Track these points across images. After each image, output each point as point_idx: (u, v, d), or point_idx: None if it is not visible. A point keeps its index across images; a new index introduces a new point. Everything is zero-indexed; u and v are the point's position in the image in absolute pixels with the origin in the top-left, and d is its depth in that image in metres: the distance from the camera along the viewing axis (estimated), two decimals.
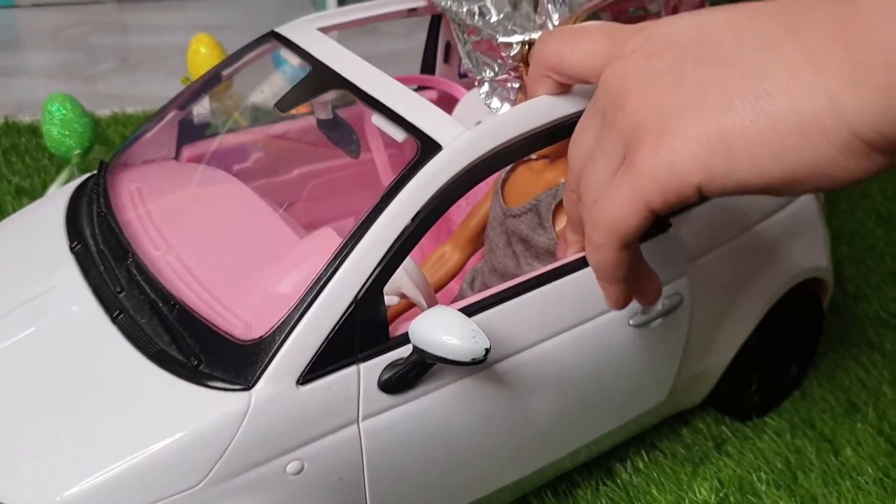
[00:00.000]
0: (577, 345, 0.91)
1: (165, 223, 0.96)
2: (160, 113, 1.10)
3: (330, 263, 0.79)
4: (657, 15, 1.04)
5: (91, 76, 2.27)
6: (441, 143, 0.83)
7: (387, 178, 1.24)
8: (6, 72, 2.28)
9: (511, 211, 1.01)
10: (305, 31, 1.05)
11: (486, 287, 1.06)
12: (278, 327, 0.77)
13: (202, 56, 1.66)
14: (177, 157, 1.13)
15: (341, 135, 0.99)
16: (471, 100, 1.18)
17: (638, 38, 0.58)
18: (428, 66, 1.30)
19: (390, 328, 0.81)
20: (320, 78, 0.94)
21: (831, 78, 0.46)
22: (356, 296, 0.78)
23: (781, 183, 0.49)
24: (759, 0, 0.53)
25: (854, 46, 0.45)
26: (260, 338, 0.78)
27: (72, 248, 0.94)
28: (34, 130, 1.93)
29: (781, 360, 1.21)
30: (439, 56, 1.28)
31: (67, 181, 1.55)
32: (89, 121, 1.49)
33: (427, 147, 0.83)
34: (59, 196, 1.05)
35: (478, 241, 1.11)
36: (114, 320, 0.84)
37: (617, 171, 0.57)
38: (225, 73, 1.09)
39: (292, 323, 0.77)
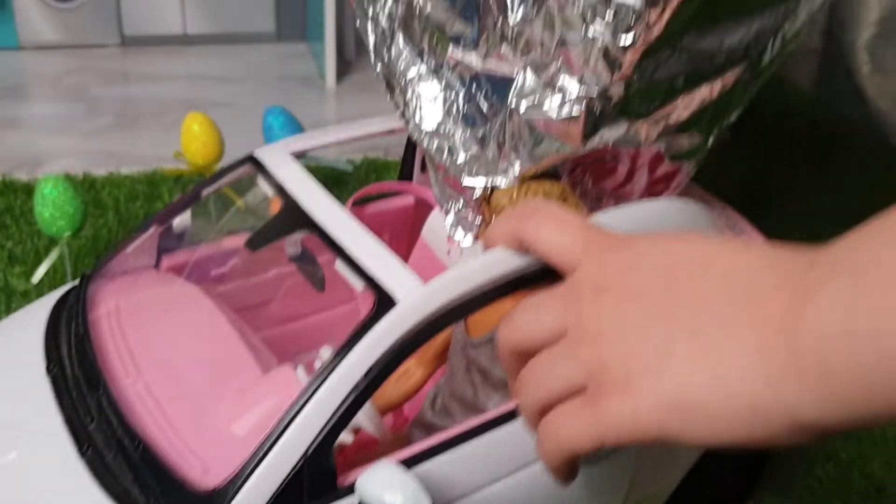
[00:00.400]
0: (525, 486, 0.95)
1: (138, 346, 1.01)
2: (142, 227, 1.14)
3: (284, 417, 0.83)
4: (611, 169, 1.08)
5: (89, 131, 2.32)
6: (396, 297, 0.87)
7: None
8: (6, 122, 2.33)
9: (471, 340, 1.05)
10: (280, 158, 1.09)
11: (446, 409, 1.11)
12: (232, 479, 0.82)
13: (194, 133, 1.71)
14: (157, 265, 1.17)
15: (308, 269, 1.04)
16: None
17: (614, 261, 0.59)
18: (406, 174, 1.35)
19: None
20: (290, 217, 0.99)
21: (777, 369, 0.49)
22: (307, 450, 0.82)
23: (731, 445, 0.54)
24: (740, 245, 0.55)
25: (795, 339, 0.48)
26: (215, 488, 0.82)
27: (48, 370, 0.99)
28: (30, 191, 1.98)
29: (732, 476, 1.25)
30: (416, 165, 1.33)
31: (57, 261, 1.61)
32: (81, 202, 1.54)
33: (382, 301, 0.88)
34: (40, 308, 1.09)
35: (442, 358, 1.16)
36: (82, 454, 0.89)
37: (571, 391, 0.60)
38: (205, 192, 1.13)
39: (245, 475, 0.81)
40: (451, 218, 1.08)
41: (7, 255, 1.75)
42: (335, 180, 2.05)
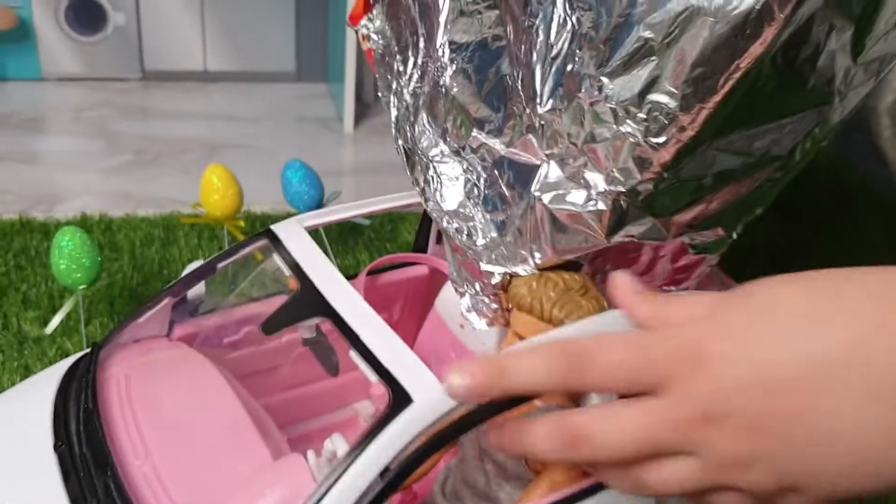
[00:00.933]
0: None
1: (147, 423, 1.00)
2: (155, 299, 1.13)
3: None
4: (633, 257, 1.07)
5: (107, 168, 2.33)
6: (412, 395, 0.86)
7: None
8: (25, 157, 2.34)
9: (485, 429, 1.03)
10: (296, 235, 1.09)
11: (457, 495, 1.09)
12: None
13: (214, 186, 1.71)
14: (169, 334, 1.16)
15: (323, 353, 1.03)
16: None
17: (710, 383, 0.60)
18: (421, 245, 1.34)
19: None
20: (305, 301, 0.98)
21: None
22: None
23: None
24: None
25: None
26: None
27: (56, 448, 0.98)
28: (46, 232, 1.98)
29: None
30: (432, 238, 1.32)
31: (71, 311, 1.60)
32: (97, 254, 1.54)
33: (398, 397, 0.86)
34: (49, 377, 1.09)
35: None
36: None
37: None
38: (220, 265, 1.13)
39: None
40: (466, 301, 1.07)
41: (21, 299, 1.75)
42: (350, 230, 2.05)
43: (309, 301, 0.98)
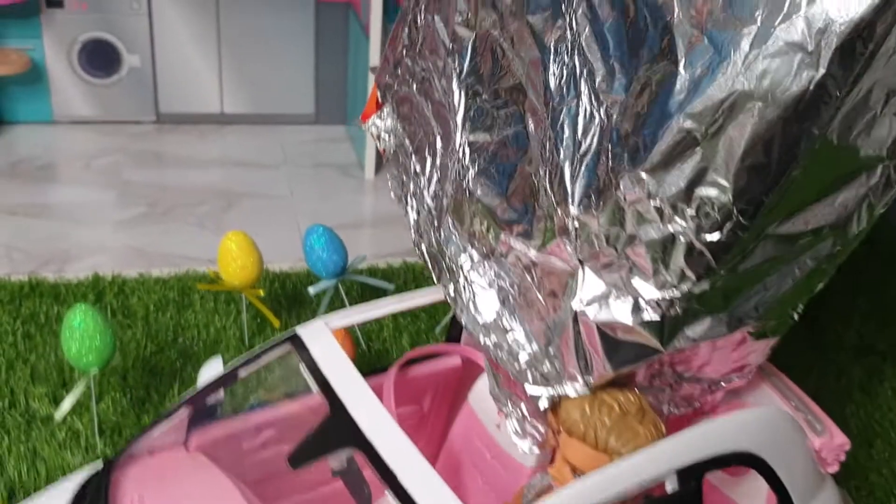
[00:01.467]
0: None
1: None
2: (172, 410, 1.05)
3: None
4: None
5: (120, 222, 2.25)
6: None
7: None
8: (35, 210, 2.27)
9: None
10: (322, 341, 1.00)
11: None
12: None
13: (233, 254, 1.64)
14: (186, 443, 1.08)
15: (354, 485, 0.94)
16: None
17: None
18: (454, 336, 1.25)
19: None
20: (335, 429, 0.89)
21: None
22: None
23: None
24: None
25: None
26: None
27: None
28: (57, 294, 1.90)
29: None
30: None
31: (82, 394, 1.52)
32: (111, 335, 1.46)
33: None
34: (62, 494, 1.01)
35: None
36: None
37: None
38: (242, 373, 1.04)
39: None
40: (513, 425, 0.98)
41: (29, 373, 1.67)
42: (373, 290, 1.96)
43: (339, 428, 0.90)
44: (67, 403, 1.49)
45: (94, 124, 2.76)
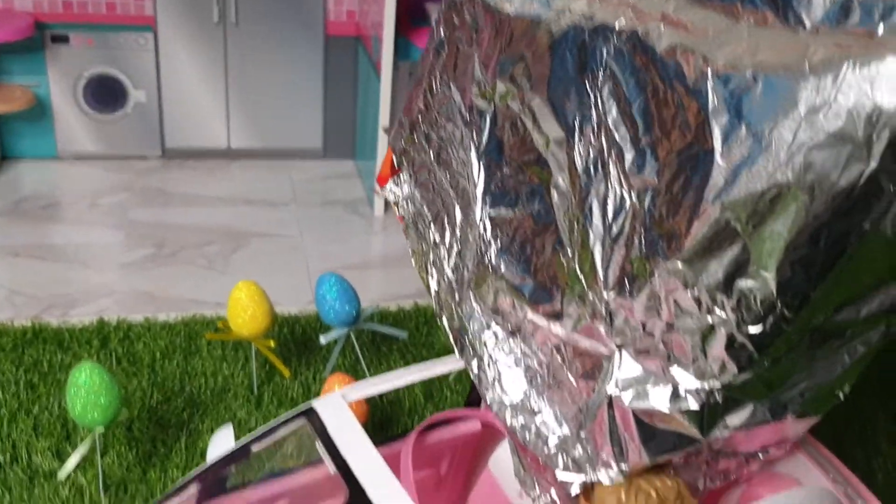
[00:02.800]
0: None
1: None
2: (180, 488, 1.00)
3: None
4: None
5: (126, 264, 2.21)
6: None
7: None
8: (39, 251, 2.22)
9: None
10: (339, 417, 0.96)
11: None
12: None
13: (243, 304, 1.59)
14: None
15: None
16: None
17: None
18: (473, 400, 1.20)
19: None
20: None
21: None
22: None
23: None
24: None
25: None
26: None
27: None
28: (61, 341, 1.85)
29: None
30: None
31: (88, 451, 1.46)
32: (116, 392, 1.41)
33: None
34: None
35: None
36: None
37: None
38: (255, 448, 1.00)
39: None
40: None
41: (32, 425, 1.62)
42: (383, 337, 1.91)
43: None
44: (72, 462, 1.44)
45: (98, 160, 2.72)
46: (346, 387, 1.03)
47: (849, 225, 0.75)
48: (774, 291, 0.77)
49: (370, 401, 1.67)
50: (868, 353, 0.90)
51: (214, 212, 2.50)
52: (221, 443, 1.06)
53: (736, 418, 0.85)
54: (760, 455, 0.99)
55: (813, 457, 1.07)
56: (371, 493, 0.87)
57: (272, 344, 1.66)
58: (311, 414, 0.98)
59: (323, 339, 1.69)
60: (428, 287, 1.06)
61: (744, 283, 0.78)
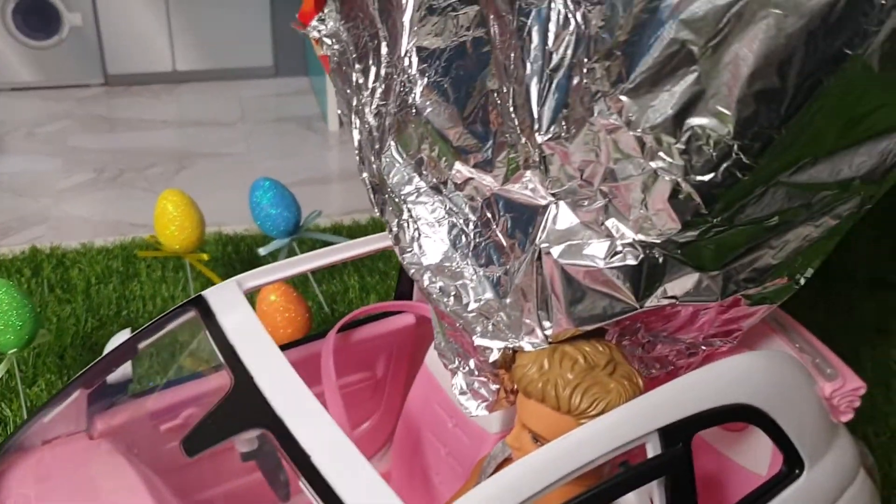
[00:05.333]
0: None
1: None
2: (65, 389, 0.90)
3: None
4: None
5: (62, 191, 2.08)
6: None
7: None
8: None
9: None
10: (232, 304, 0.84)
11: None
12: None
13: (170, 215, 1.47)
14: (89, 430, 0.93)
15: (269, 470, 0.78)
16: None
17: None
18: (404, 291, 1.09)
19: None
20: (240, 406, 0.74)
21: None
22: None
23: None
24: None
25: None
26: None
27: None
28: None
29: None
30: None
31: (4, 375, 1.36)
32: (30, 311, 1.29)
33: None
34: None
35: None
36: None
37: None
38: (142, 345, 0.89)
39: None
40: (459, 382, 0.83)
41: None
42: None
43: (245, 406, 0.74)
44: None
45: (37, 90, 2.58)
46: (244, 274, 0.91)
47: (827, 48, 0.62)
48: (731, 131, 0.64)
49: (320, 309, 1.57)
50: (836, 229, 0.78)
51: (159, 135, 2.37)
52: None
53: (677, 286, 0.74)
54: (704, 347, 0.87)
55: (776, 325, 0.96)
56: (263, 388, 0.75)
57: (205, 257, 1.54)
58: (200, 304, 0.87)
59: (262, 251, 1.57)
60: (353, 139, 0.94)
61: (696, 121, 0.65)
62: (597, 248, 0.71)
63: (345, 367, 1.08)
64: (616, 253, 0.70)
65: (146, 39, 2.58)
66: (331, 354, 1.00)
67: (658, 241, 0.69)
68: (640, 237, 0.69)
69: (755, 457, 0.91)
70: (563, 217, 0.73)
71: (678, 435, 0.73)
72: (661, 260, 0.70)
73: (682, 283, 0.72)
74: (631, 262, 0.70)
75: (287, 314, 1.35)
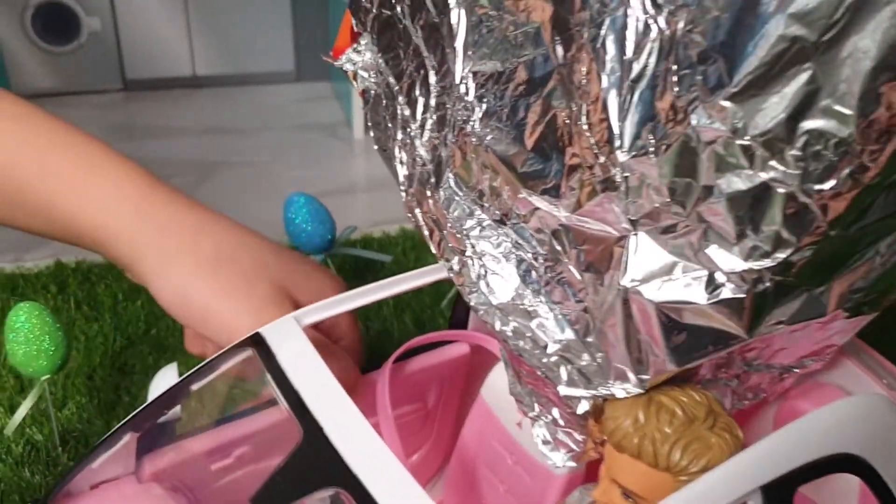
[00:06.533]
0: None
1: None
2: (115, 432, 0.85)
3: None
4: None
5: None
6: None
7: None
8: None
9: None
10: (292, 344, 0.79)
11: None
12: None
13: None
14: (137, 472, 0.88)
15: None
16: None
17: None
18: (458, 320, 1.04)
19: None
20: (311, 461, 0.69)
21: None
22: None
23: None
24: None
25: None
26: None
27: None
28: (14, 288, 1.69)
29: None
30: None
31: (41, 401, 1.32)
32: (62, 335, 1.24)
33: None
34: None
35: None
36: None
37: None
38: (194, 387, 0.84)
39: None
40: (540, 432, 0.77)
41: None
42: (366, 264, 1.75)
43: (317, 462, 0.69)
44: (19, 415, 1.28)
45: (56, 97, 2.54)
46: (302, 309, 0.86)
47: None
48: (854, 132, 0.58)
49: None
50: None
51: (180, 143, 2.33)
52: (165, 384, 0.90)
53: (786, 311, 0.68)
54: (797, 369, 0.82)
55: (861, 361, 0.91)
56: (329, 429, 0.71)
57: None
58: (258, 342, 0.82)
59: None
60: (396, 175, 0.89)
61: (812, 124, 0.59)
62: (695, 283, 0.66)
63: (396, 398, 1.03)
64: (719, 286, 0.65)
65: (165, 44, 2.54)
66: (387, 386, 0.96)
67: (771, 265, 0.63)
68: (749, 265, 0.63)
69: (844, 499, 0.86)
70: (648, 249, 0.67)
71: (781, 491, 0.68)
72: (770, 286, 0.65)
73: (790, 307, 0.67)
74: (739, 294, 0.65)
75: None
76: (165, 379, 0.90)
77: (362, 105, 0.96)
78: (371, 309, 1.69)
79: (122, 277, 1.72)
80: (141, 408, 0.86)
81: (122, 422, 0.85)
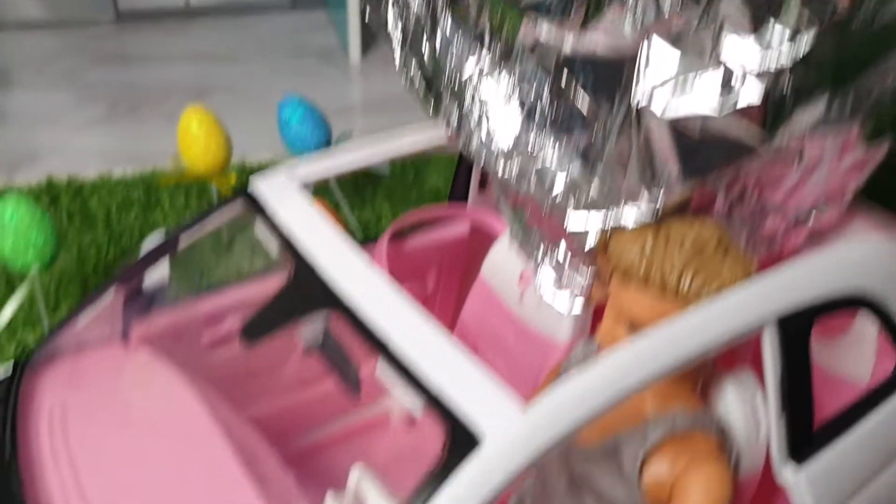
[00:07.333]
0: None
1: (92, 473, 0.69)
2: (100, 289, 0.82)
3: None
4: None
5: (78, 124, 1.99)
6: (480, 432, 0.55)
7: None
8: None
9: (580, 450, 0.72)
10: (286, 196, 0.76)
11: None
12: None
13: (193, 134, 1.38)
14: (125, 336, 0.85)
15: (337, 361, 0.71)
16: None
17: None
18: (458, 194, 1.01)
19: None
20: (301, 291, 0.66)
21: None
22: None
23: None
24: None
25: None
26: None
27: None
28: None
29: None
30: (473, 182, 0.98)
31: (29, 303, 1.29)
32: (51, 227, 1.21)
33: (459, 437, 0.55)
34: None
35: None
36: None
37: None
38: (184, 238, 0.80)
39: None
40: (546, 276, 0.74)
41: None
42: (365, 177, 1.71)
43: (306, 290, 0.65)
44: (9, 310, 1.25)
45: (46, 28, 2.48)
46: (294, 164, 0.82)
47: None
48: None
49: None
50: None
51: (174, 69, 2.28)
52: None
53: (808, 115, 0.64)
54: (813, 213, 0.79)
55: (875, 221, 0.87)
56: (328, 269, 0.67)
57: (232, 181, 1.45)
58: (247, 198, 0.78)
59: None
60: (391, 37, 0.85)
61: None
62: (711, 84, 0.62)
63: (395, 276, 1.00)
64: (735, 86, 0.61)
65: None
66: (384, 260, 0.93)
67: (788, 63, 0.59)
68: (768, 60, 0.60)
69: (857, 365, 0.83)
70: (660, 54, 0.63)
71: (799, 323, 0.65)
72: (789, 87, 0.61)
73: (813, 110, 0.63)
74: (754, 98, 0.61)
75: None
76: (154, 242, 0.87)
77: None
78: (365, 206, 1.66)
79: (115, 191, 1.69)
80: (128, 264, 0.83)
81: (109, 280, 0.82)
